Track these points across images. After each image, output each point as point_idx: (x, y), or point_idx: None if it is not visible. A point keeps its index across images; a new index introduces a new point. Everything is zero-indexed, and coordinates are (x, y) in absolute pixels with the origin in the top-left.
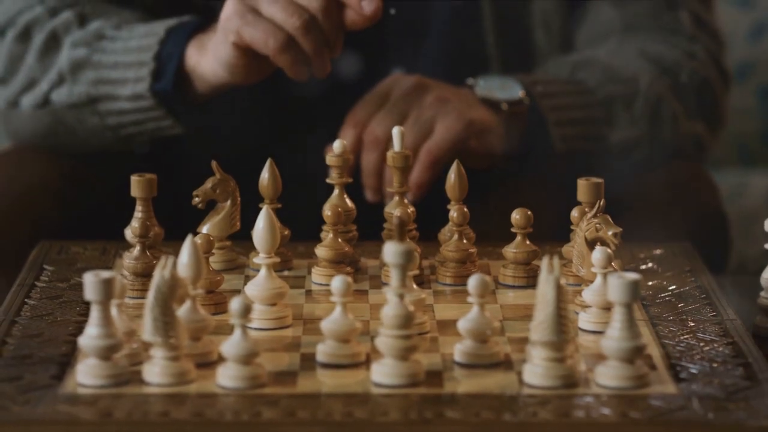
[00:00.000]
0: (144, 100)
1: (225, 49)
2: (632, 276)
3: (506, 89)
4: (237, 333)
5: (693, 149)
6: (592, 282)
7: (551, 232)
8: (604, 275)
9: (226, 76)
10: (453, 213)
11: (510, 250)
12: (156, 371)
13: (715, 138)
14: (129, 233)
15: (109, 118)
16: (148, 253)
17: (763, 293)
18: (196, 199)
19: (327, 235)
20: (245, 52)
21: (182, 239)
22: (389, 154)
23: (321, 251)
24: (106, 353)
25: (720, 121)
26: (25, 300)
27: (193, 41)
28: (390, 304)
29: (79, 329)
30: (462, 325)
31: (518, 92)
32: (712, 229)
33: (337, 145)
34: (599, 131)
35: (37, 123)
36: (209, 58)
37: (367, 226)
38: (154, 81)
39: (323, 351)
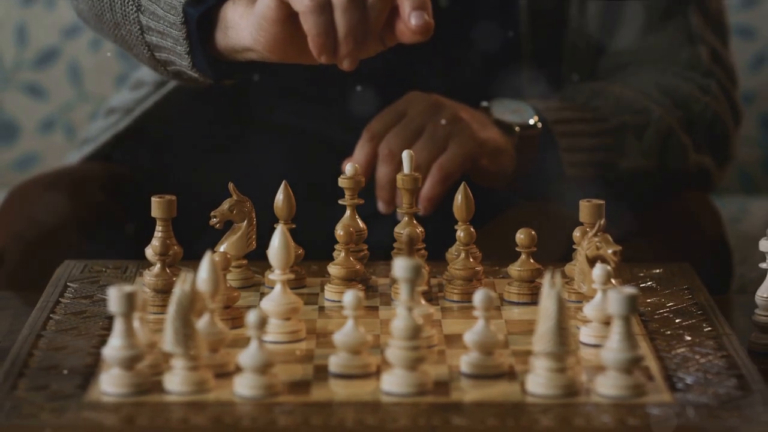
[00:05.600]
0: (174, 14)
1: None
2: (630, 290)
3: (519, 113)
4: (253, 344)
5: (700, 182)
6: (593, 298)
7: (559, 257)
8: (604, 291)
9: (253, 34)
10: (460, 233)
11: (515, 269)
12: (176, 380)
13: (722, 172)
14: (150, 252)
15: (143, 15)
16: (168, 271)
17: (757, 310)
18: (214, 220)
19: (339, 254)
20: (281, 8)
21: (200, 259)
22: (399, 176)
23: (333, 269)
24: (129, 363)
25: (728, 156)
26: (50, 315)
27: None
28: (399, 316)
29: (102, 342)
30: (468, 337)
31: (531, 117)
32: (715, 258)
33: (348, 168)
34: (609, 159)
35: None
36: (242, 9)
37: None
38: (194, 2)
39: (336, 362)
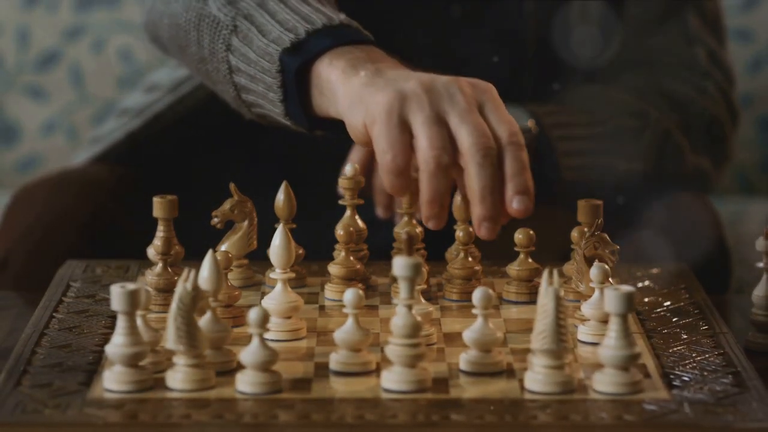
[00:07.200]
0: (269, 60)
1: (356, 113)
2: (627, 288)
3: (516, 118)
4: (255, 341)
5: (698, 183)
6: (591, 297)
7: (557, 256)
8: (602, 289)
9: (338, 114)
10: (459, 233)
11: (513, 268)
12: (178, 377)
13: (720, 173)
14: (151, 251)
15: (232, 55)
16: (169, 270)
17: (755, 309)
18: (215, 220)
19: (339, 253)
20: (367, 136)
21: (201, 259)
22: None
23: (334, 269)
24: (132, 361)
25: (726, 157)
26: (53, 314)
27: (357, 53)
28: (399, 314)
29: (105, 340)
30: (467, 335)
31: (526, 121)
32: (714, 259)
33: (348, 169)
34: (607, 162)
35: (180, 16)
36: (338, 74)
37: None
38: (292, 51)
39: (336, 360)
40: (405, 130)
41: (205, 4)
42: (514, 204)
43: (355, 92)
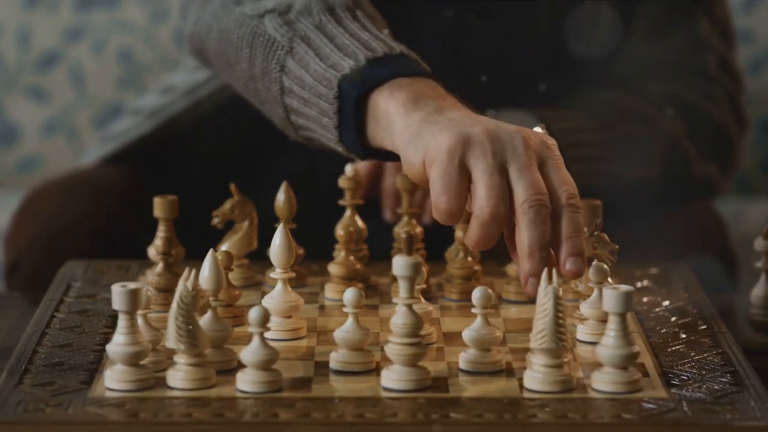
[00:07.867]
0: (327, 86)
1: (415, 149)
2: (626, 287)
3: (523, 124)
4: (255, 340)
5: (704, 189)
6: (589, 297)
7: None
8: (600, 289)
9: (394, 146)
10: (459, 233)
11: (513, 268)
12: (179, 376)
13: (727, 180)
14: (152, 251)
15: (286, 76)
16: (170, 270)
17: (753, 309)
18: (216, 220)
19: (339, 253)
20: (423, 174)
21: (202, 259)
22: (398, 177)
23: (334, 268)
24: (133, 360)
25: (733, 164)
26: (54, 314)
27: (418, 86)
28: (399, 313)
29: (106, 339)
30: (467, 334)
31: (534, 126)
32: (719, 264)
33: (348, 169)
34: (614, 169)
35: (232, 32)
36: (396, 107)
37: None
38: (350, 78)
39: (336, 359)
40: (464, 174)
41: (260, 22)
42: (568, 265)
43: (414, 128)
